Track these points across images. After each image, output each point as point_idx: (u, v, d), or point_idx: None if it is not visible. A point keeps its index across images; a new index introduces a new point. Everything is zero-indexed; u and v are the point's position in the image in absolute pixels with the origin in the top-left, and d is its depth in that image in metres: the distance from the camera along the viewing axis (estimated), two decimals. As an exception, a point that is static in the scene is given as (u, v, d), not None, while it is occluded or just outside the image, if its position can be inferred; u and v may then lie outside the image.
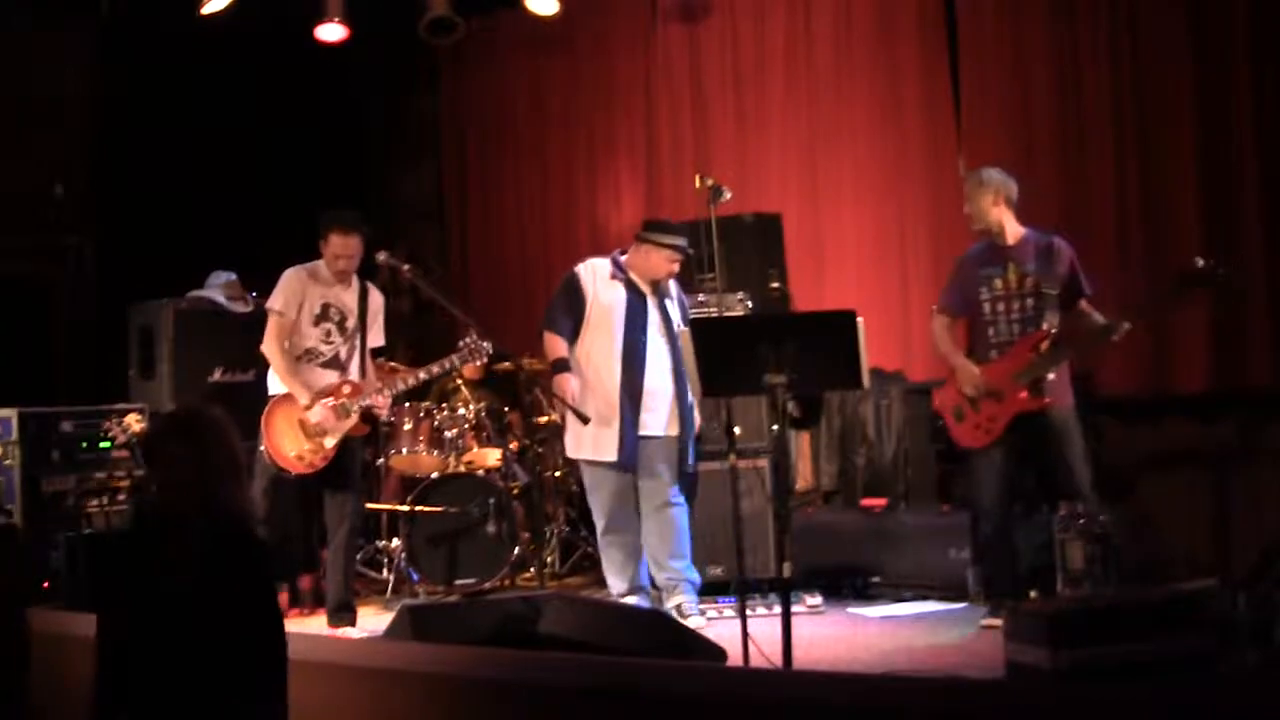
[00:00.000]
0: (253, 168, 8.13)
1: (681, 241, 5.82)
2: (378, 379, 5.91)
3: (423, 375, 6.03)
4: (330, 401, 5.64)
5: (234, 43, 7.75)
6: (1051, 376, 5.27)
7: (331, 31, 7.88)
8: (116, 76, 7.97)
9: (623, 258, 5.90)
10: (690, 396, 5.80)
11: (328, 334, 5.76)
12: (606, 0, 8.55)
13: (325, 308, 5.77)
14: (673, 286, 5.94)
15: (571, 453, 5.89)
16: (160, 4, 7.64)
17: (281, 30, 7.86)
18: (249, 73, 8.12)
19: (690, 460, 5.81)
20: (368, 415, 5.80)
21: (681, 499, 5.77)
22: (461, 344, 6.03)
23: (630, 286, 5.80)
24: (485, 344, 6.07)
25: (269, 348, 5.71)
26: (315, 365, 5.74)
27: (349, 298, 5.82)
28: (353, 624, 5.72)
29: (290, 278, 5.77)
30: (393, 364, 6.82)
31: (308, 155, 8.43)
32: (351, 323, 5.80)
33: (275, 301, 5.73)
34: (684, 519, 5.76)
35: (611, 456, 5.68)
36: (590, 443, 5.73)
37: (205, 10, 7.53)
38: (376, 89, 9.36)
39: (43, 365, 7.82)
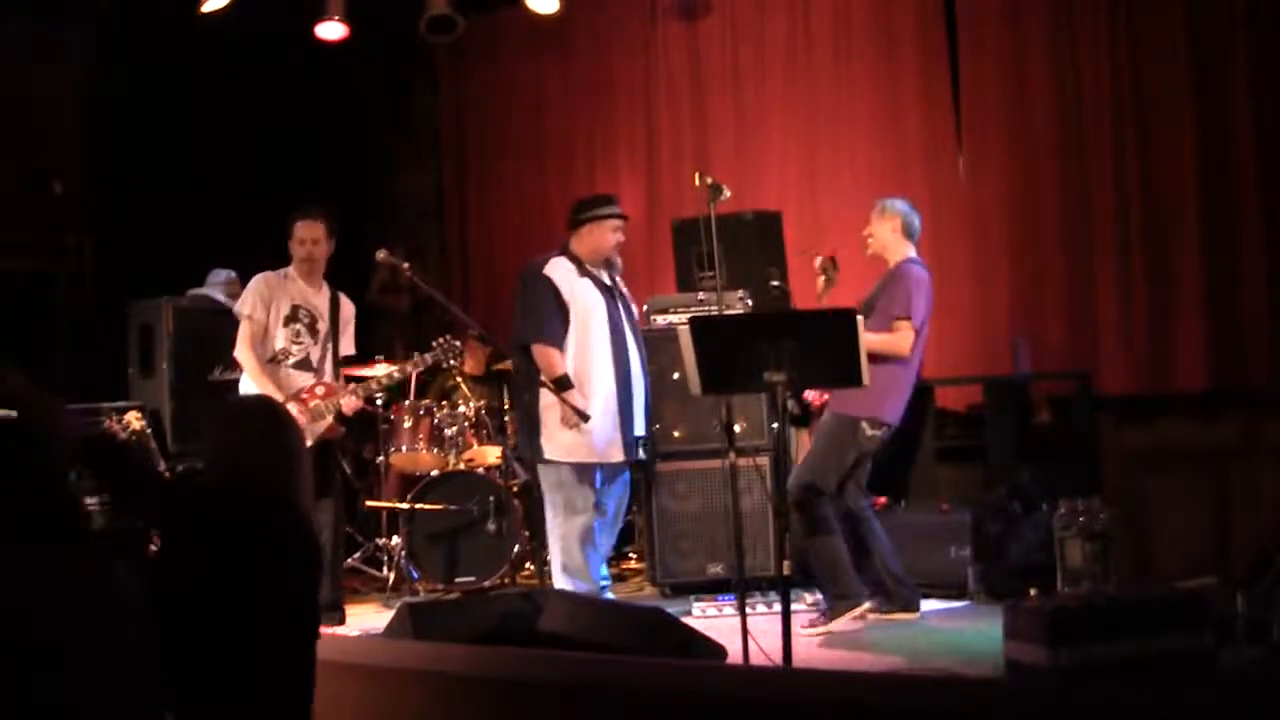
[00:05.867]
0: (252, 166, 8.13)
1: (618, 208, 5.86)
2: (344, 384, 5.87)
3: (396, 374, 6.04)
4: (307, 401, 5.64)
5: (233, 41, 7.75)
6: None
7: (331, 30, 7.88)
8: (116, 76, 7.96)
9: (570, 248, 5.79)
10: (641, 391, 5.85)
11: (297, 334, 5.75)
12: (606, -2, 8.58)
13: (295, 309, 5.77)
14: (619, 280, 5.92)
15: (570, 456, 5.64)
16: (160, 3, 7.64)
17: (281, 28, 7.87)
18: (248, 71, 8.12)
19: (644, 453, 5.92)
20: (341, 417, 5.78)
21: None
22: (435, 344, 6.11)
23: (598, 284, 5.76)
24: (458, 343, 6.17)
25: (241, 352, 5.73)
26: (286, 367, 5.72)
27: (319, 301, 5.83)
28: (342, 622, 5.74)
29: (258, 281, 5.80)
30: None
31: (307, 153, 8.43)
32: (323, 326, 5.80)
33: (244, 306, 5.76)
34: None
35: (619, 457, 5.67)
36: (592, 445, 5.63)
37: (205, 9, 7.54)
38: (376, 87, 9.36)
39: (42, 363, 7.82)
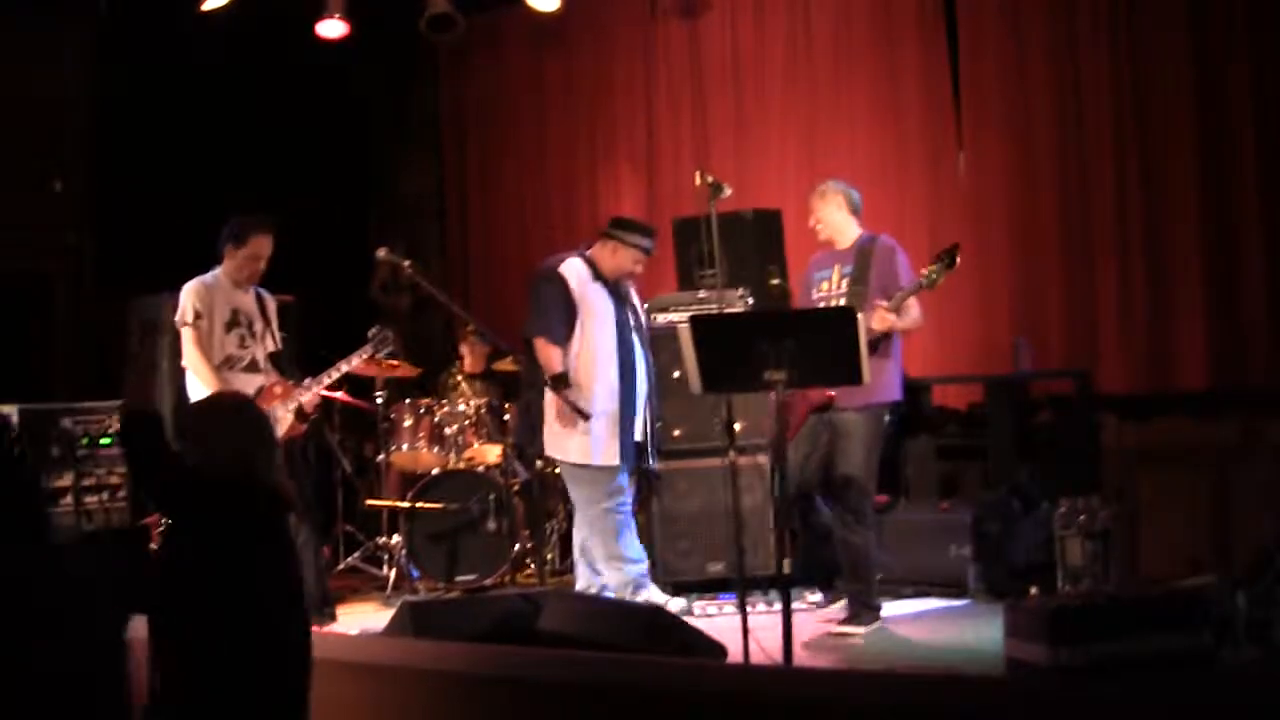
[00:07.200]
0: (253, 164, 8.13)
1: (649, 243, 5.84)
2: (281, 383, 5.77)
3: (344, 367, 5.91)
4: (267, 403, 5.56)
5: (234, 39, 7.75)
6: None
7: (332, 28, 7.88)
8: (116, 75, 7.97)
9: (588, 252, 5.85)
10: (650, 397, 5.86)
11: (241, 339, 5.67)
12: (606, -3, 8.58)
13: (234, 313, 5.67)
14: (628, 286, 5.93)
15: (572, 457, 5.71)
16: (160, 3, 7.64)
17: (282, 27, 7.87)
18: (249, 69, 8.12)
19: (651, 461, 5.89)
20: (302, 415, 5.73)
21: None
22: (370, 334, 5.99)
23: (609, 288, 5.77)
24: (389, 332, 6.04)
25: (192, 358, 5.56)
26: (238, 372, 5.62)
27: (249, 302, 5.73)
28: (333, 619, 5.74)
29: (194, 288, 5.63)
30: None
31: (308, 153, 8.43)
32: (258, 326, 5.73)
33: (185, 314, 5.58)
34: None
35: (615, 461, 5.67)
36: (590, 447, 5.65)
37: (205, 7, 7.54)
38: (377, 86, 9.36)
39: (43, 361, 7.83)
